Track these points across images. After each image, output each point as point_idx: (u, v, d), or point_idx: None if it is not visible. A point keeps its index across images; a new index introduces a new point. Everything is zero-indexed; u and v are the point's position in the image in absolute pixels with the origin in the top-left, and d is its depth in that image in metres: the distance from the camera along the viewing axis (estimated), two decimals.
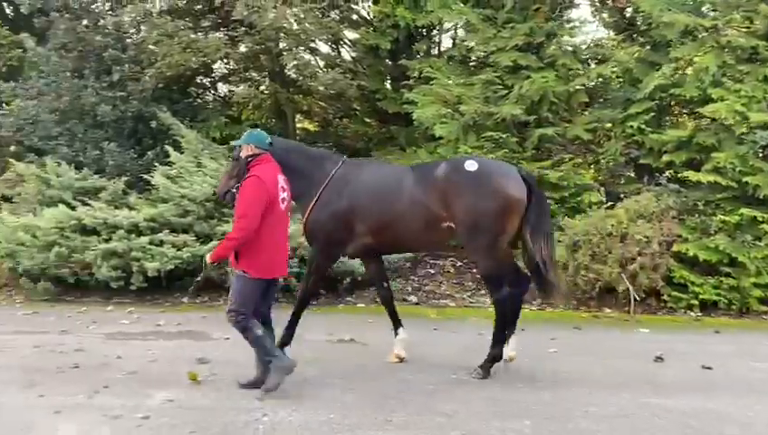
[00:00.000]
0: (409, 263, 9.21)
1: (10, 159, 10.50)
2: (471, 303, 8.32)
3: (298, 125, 14.14)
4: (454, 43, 11.18)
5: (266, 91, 13.34)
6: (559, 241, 7.85)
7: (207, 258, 5.08)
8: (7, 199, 10.04)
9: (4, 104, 10.66)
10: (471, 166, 5.19)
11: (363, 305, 8.26)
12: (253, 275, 4.88)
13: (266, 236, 4.83)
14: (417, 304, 8.35)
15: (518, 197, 5.11)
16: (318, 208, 5.50)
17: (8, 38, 11.44)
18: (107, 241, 8.23)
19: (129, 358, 5.82)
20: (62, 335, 6.66)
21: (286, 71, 12.60)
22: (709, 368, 5.70)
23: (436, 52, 11.07)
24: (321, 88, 10.61)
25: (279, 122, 12.79)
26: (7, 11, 12.46)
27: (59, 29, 10.58)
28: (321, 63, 12.05)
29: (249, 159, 5.07)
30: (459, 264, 9.41)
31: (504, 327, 5.31)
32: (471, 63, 9.88)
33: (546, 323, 7.31)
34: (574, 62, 8.78)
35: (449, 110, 8.50)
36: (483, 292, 8.63)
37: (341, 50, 12.86)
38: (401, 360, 5.75)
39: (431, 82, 8.97)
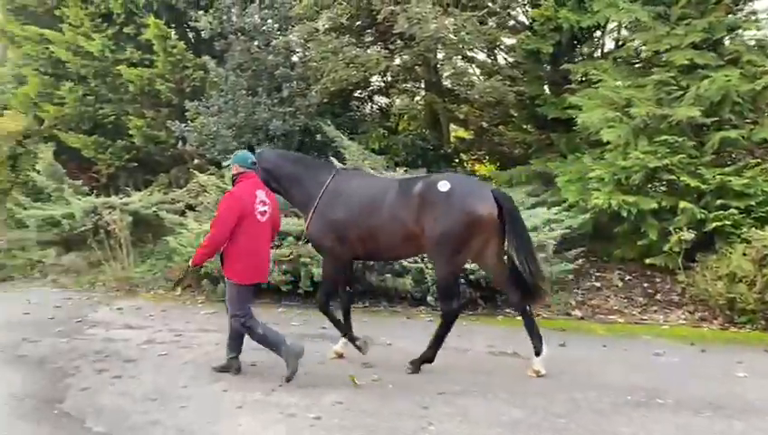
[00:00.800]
0: (572, 275, 8.84)
1: (193, 171, 11.53)
2: (642, 320, 7.78)
3: (452, 134, 14.20)
4: (617, 44, 10.63)
5: (422, 102, 13.56)
6: (744, 254, 7.15)
7: (190, 262, 5.92)
8: (191, 208, 11.02)
9: (189, 121, 11.68)
10: (444, 186, 5.45)
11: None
12: (237, 282, 5.58)
13: (245, 245, 5.47)
14: (581, 318, 7.97)
15: (485, 215, 5.36)
16: (316, 219, 5.92)
17: (192, 61, 12.54)
18: (278, 247, 8.73)
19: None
20: None
21: (443, 80, 12.73)
22: None
23: (599, 53, 10.57)
24: (478, 96, 10.54)
25: (434, 131, 12.92)
26: (190, 36, 13.71)
27: (235, 50, 11.48)
28: (478, 71, 12.02)
29: (234, 178, 5.76)
30: (628, 277, 8.86)
31: (445, 336, 5.63)
32: (638, 64, 9.29)
33: (730, 345, 6.65)
34: (762, 58, 7.94)
35: (617, 113, 8.04)
36: (654, 308, 8.09)
37: (498, 57, 12.76)
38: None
39: (596, 85, 8.56)
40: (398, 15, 9.65)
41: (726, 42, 8.07)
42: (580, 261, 8.93)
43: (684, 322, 7.61)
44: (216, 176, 10.87)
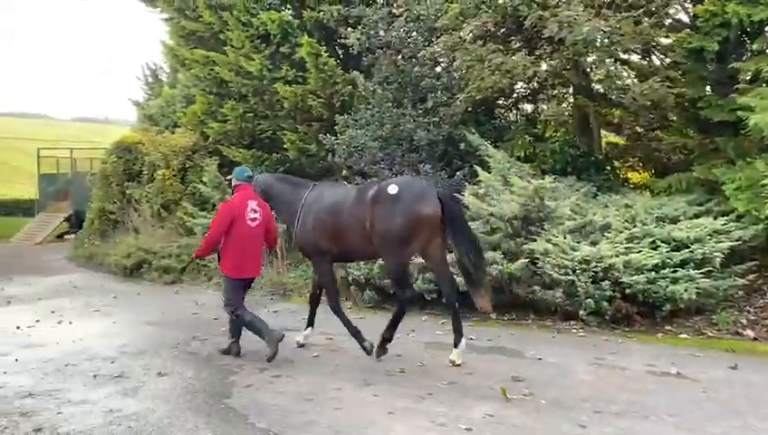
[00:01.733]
0: (742, 291, 8.08)
1: (343, 182, 11.94)
2: None
3: (604, 140, 13.56)
4: None
5: (571, 107, 13.09)
6: None
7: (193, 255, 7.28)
8: None
9: (338, 134, 12.14)
10: (393, 189, 6.11)
11: (687, 336, 7.45)
12: (230, 276, 6.63)
13: (236, 245, 6.57)
14: (755, 339, 7.23)
15: (428, 214, 6.01)
16: (300, 229, 6.82)
17: (342, 76, 13.04)
18: None
19: (447, 368, 6.11)
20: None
21: (593, 84, 12.20)
22: None
23: None
24: (634, 100, 9.95)
25: (584, 138, 12.40)
26: (339, 52, 14.28)
27: (382, 64, 11.80)
28: (632, 73, 11.39)
29: (233, 189, 6.92)
30: None
31: (400, 319, 6.35)
32: None
33: None
34: None
35: None
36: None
37: (653, 57, 12.01)
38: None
39: None
40: (547, 20, 9.40)
41: None
42: (752, 276, 8.16)
43: None
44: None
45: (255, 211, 6.69)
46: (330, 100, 13.23)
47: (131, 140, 17.46)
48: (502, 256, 8.47)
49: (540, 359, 6.45)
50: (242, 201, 6.66)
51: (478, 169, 9.82)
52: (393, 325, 6.38)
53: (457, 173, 10.81)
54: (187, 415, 4.98)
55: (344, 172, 12.96)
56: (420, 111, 11.43)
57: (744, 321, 7.63)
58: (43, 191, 25.71)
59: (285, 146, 13.76)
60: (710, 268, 7.72)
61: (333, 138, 12.03)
